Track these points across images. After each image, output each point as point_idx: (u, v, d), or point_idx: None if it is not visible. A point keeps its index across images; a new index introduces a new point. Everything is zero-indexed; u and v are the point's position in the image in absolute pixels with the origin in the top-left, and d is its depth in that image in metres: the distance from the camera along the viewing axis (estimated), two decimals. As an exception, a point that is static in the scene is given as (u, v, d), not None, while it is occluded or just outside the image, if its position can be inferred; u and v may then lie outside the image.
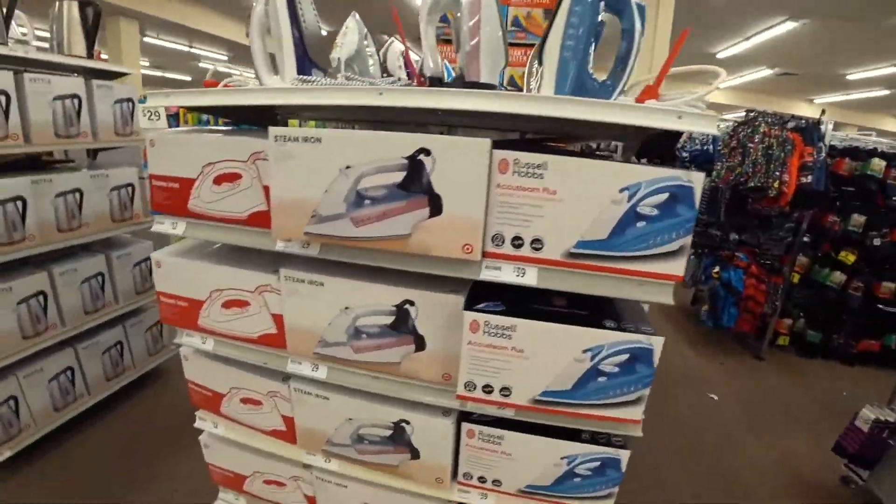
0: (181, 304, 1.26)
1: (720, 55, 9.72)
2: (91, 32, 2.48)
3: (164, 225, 1.19)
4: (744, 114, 3.35)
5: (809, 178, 3.00)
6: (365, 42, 1.46)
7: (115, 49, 8.18)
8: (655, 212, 0.90)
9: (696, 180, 0.89)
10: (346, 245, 0.97)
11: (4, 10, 2.15)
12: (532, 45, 2.48)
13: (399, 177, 0.90)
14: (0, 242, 2.05)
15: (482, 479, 1.20)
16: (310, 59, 1.17)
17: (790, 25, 7.49)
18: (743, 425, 2.89)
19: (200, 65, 13.43)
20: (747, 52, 9.32)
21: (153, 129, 1.26)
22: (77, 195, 2.31)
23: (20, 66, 2.11)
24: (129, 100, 2.54)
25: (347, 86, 0.98)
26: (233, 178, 1.08)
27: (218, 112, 1.36)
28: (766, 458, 2.60)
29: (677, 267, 0.93)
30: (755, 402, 3.14)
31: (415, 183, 0.90)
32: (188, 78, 15.99)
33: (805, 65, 9.71)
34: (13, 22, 2.28)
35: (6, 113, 2.03)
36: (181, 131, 1.19)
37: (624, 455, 1.12)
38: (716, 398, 3.13)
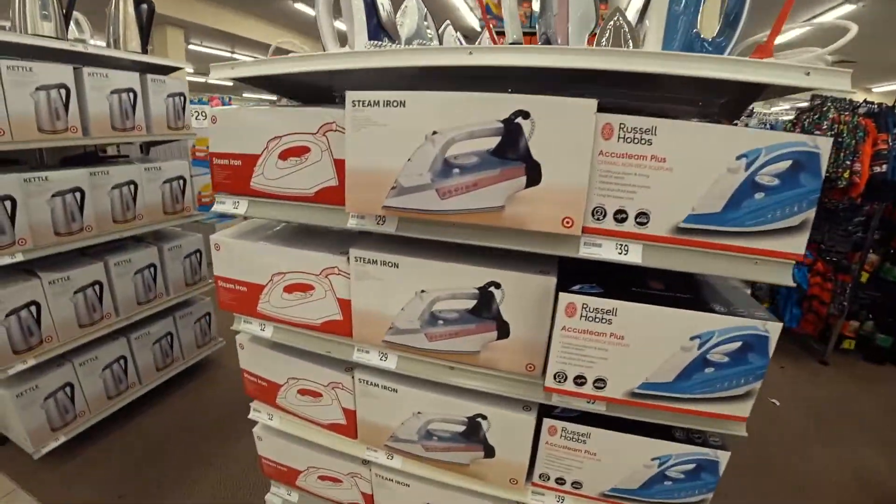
0: (240, 289, 1.19)
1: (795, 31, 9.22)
2: (145, 29, 2.48)
3: (225, 205, 1.12)
4: (808, 100, 3.12)
5: (884, 168, 2.75)
6: (425, 22, 1.37)
7: (162, 56, 8.44)
8: (776, 182, 0.78)
9: (824, 146, 0.77)
10: (429, 219, 0.87)
11: (64, 9, 2.17)
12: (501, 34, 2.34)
13: (493, 142, 0.80)
14: (60, 232, 2.06)
15: (560, 481, 1.08)
16: (383, 28, 1.09)
17: (848, 8, 7.04)
18: (808, 433, 2.66)
19: (241, 70, 13.72)
20: (801, 37, 8.83)
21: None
22: (132, 187, 2.31)
23: (79, 62, 2.11)
24: (181, 94, 2.53)
25: (432, 47, 0.88)
26: (300, 151, 1.00)
27: (279, 87, 1.29)
28: (835, 469, 2.38)
29: (798, 244, 0.80)
30: (820, 410, 2.89)
31: (511, 149, 0.79)
32: (230, 83, 16.41)
33: (863, 51, 9.15)
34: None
35: (66, 106, 2.04)
36: (243, 108, 1.12)
37: (723, 457, 0.99)
38: (777, 403, 2.90)
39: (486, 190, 0.82)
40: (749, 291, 1.11)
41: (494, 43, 1.33)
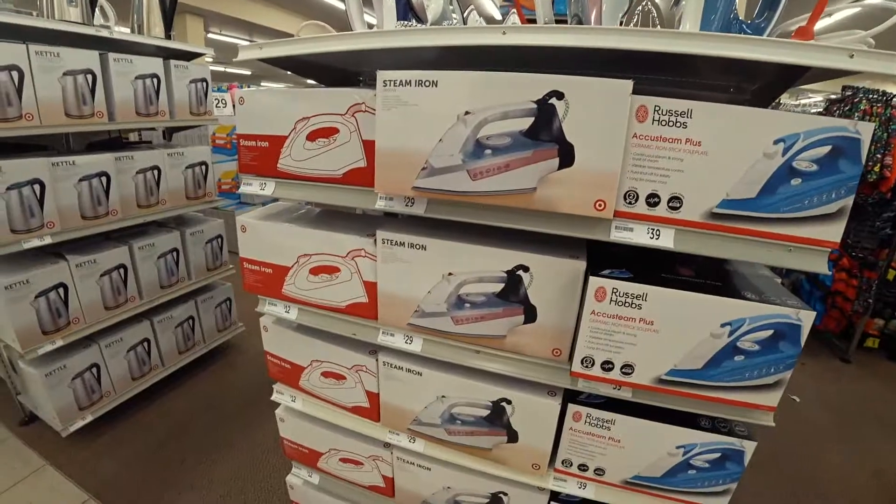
0: (265, 271, 1.20)
1: (792, 28, 8.98)
2: (168, 15, 2.50)
3: (252, 186, 1.12)
4: (839, 91, 3.02)
5: (917, 162, 2.67)
6: (451, 6, 1.36)
7: (179, 42, 8.55)
8: (814, 167, 0.76)
9: (865, 132, 0.74)
10: (459, 201, 0.86)
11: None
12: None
13: (526, 123, 0.78)
14: (86, 216, 2.09)
15: (583, 467, 1.08)
16: (412, 8, 1.08)
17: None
18: (828, 431, 2.61)
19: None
20: (836, 25, 8.58)
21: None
22: (155, 172, 2.34)
23: (104, 48, 2.13)
24: (204, 80, 2.55)
25: (465, 27, 0.87)
26: (328, 132, 1.00)
27: (304, 69, 1.28)
28: (854, 468, 2.33)
29: (835, 232, 0.78)
30: (840, 407, 2.84)
31: (544, 130, 0.78)
32: (248, 72, 16.57)
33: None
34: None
35: (92, 91, 2.06)
36: (270, 88, 1.12)
37: (749, 447, 0.98)
38: (797, 400, 2.86)
39: (518, 171, 0.80)
40: (779, 281, 1.08)
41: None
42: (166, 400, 2.54)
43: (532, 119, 0.78)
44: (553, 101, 0.77)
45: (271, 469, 2.10)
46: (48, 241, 1.98)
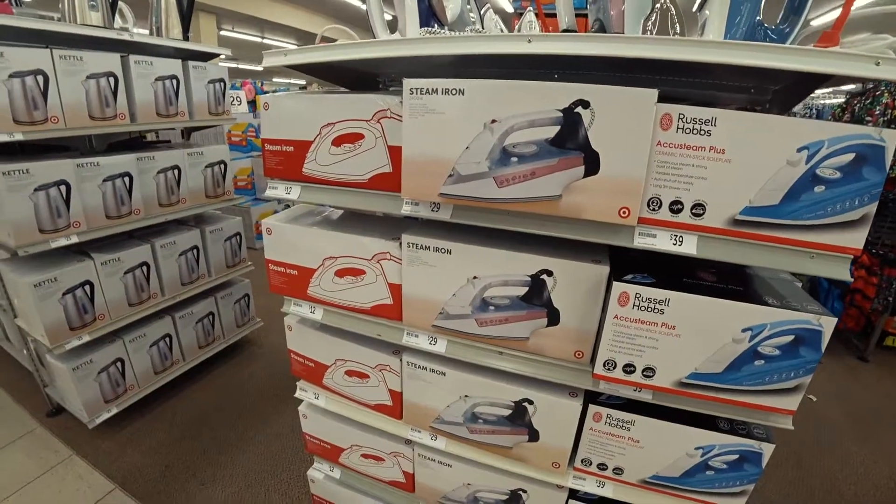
0: (291, 273, 1.23)
1: (815, 22, 8.79)
2: (186, 17, 2.53)
3: (277, 190, 1.15)
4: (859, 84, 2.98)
5: (940, 158, 2.61)
6: (468, 6, 1.37)
7: (195, 42, 8.67)
8: (837, 174, 0.76)
9: (891, 139, 0.74)
10: (485, 207, 0.88)
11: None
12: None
13: (552, 131, 0.80)
14: (110, 216, 2.15)
15: (602, 467, 1.10)
16: (435, 15, 1.09)
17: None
18: (844, 430, 2.60)
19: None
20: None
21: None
22: (176, 172, 2.38)
23: (124, 50, 2.17)
24: (222, 80, 2.58)
25: (490, 35, 0.88)
26: (354, 138, 1.02)
27: (325, 73, 1.30)
28: (871, 468, 2.32)
29: (857, 239, 0.79)
30: (858, 407, 2.82)
31: (570, 138, 0.79)
32: (259, 68, 16.71)
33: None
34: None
35: (115, 93, 2.11)
36: (295, 94, 1.14)
37: (767, 449, 0.99)
38: (814, 399, 2.84)
39: (543, 179, 0.82)
40: (799, 284, 1.09)
41: (544, 25, 1.32)
42: (187, 393, 2.60)
43: (558, 127, 0.79)
44: (579, 109, 0.78)
45: (290, 462, 2.15)
46: (74, 240, 2.04)
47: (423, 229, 1.06)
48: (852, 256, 0.82)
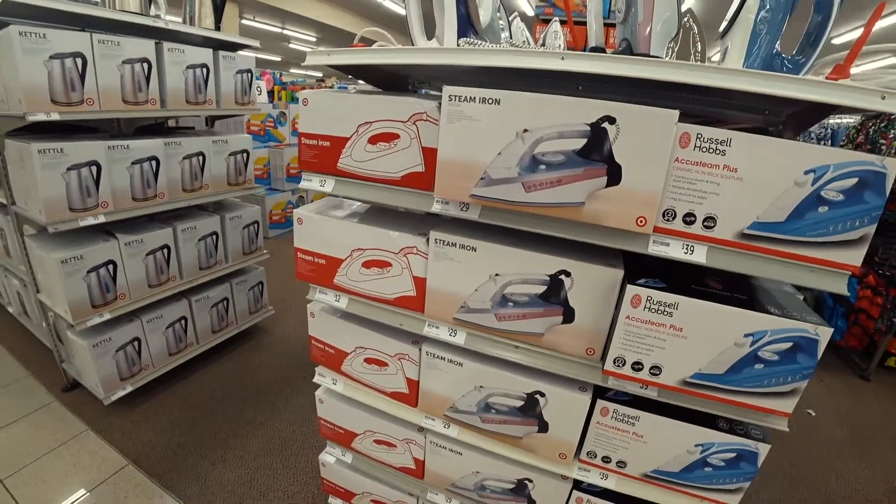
0: (319, 262, 1.31)
1: (835, 41, 8.74)
2: (219, 7, 2.62)
3: (311, 182, 1.23)
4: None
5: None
6: (497, 14, 1.44)
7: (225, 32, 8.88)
8: (840, 197, 0.84)
9: (892, 167, 0.82)
10: (512, 210, 0.96)
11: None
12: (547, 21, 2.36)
13: (579, 143, 0.87)
14: (137, 198, 2.24)
15: (606, 459, 1.17)
16: (472, 24, 1.16)
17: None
18: (843, 446, 2.66)
19: (290, 45, 14.15)
20: (871, 36, 8.30)
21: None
22: (200, 158, 2.47)
23: (157, 37, 2.25)
24: (249, 70, 2.67)
25: (527, 49, 0.95)
26: (390, 137, 1.10)
27: (358, 72, 1.37)
28: (867, 484, 2.38)
29: (856, 257, 0.86)
30: (857, 424, 2.87)
31: (595, 151, 0.87)
32: (278, 58, 16.88)
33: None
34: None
35: (147, 79, 2.20)
36: (335, 92, 1.22)
37: (763, 449, 1.06)
38: (813, 414, 2.90)
39: (568, 187, 0.89)
40: (801, 297, 1.16)
41: (572, 33, 1.38)
42: (200, 376, 2.70)
43: (585, 140, 0.87)
44: (605, 124, 0.85)
45: (299, 447, 2.23)
46: (102, 219, 2.13)
47: (450, 227, 1.14)
48: (850, 273, 0.89)
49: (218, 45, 2.55)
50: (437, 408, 1.30)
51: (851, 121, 3.17)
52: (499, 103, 0.91)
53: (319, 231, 1.28)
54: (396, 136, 1.09)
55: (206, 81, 2.45)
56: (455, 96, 0.94)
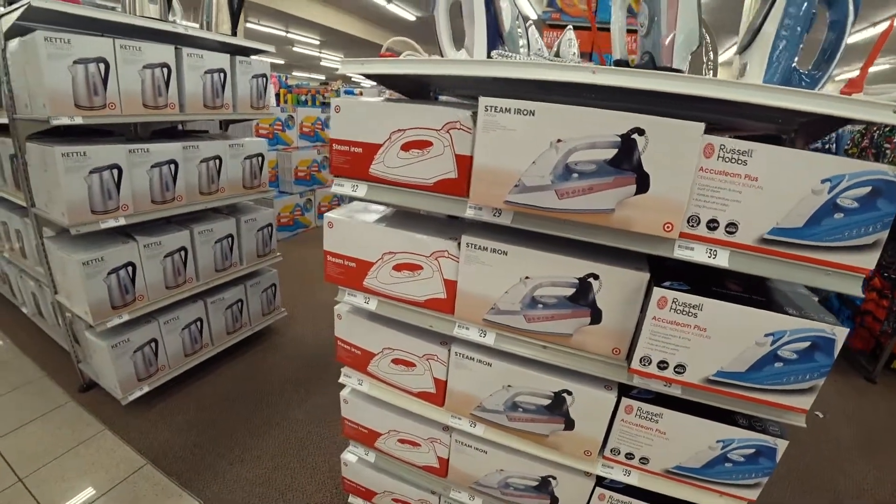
0: (349, 265, 1.36)
1: (852, 39, 8.81)
2: (236, 14, 2.68)
3: (343, 187, 1.28)
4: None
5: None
6: (516, 22, 1.49)
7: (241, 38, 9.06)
8: (855, 204, 0.90)
9: None
10: (544, 216, 1.01)
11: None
12: (563, 27, 2.43)
13: (610, 153, 0.93)
14: (156, 201, 2.29)
15: (629, 456, 1.23)
16: (500, 34, 1.22)
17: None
18: (850, 447, 2.72)
19: (294, 49, 14.31)
20: (873, 39, 8.41)
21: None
22: (217, 162, 2.53)
23: (175, 42, 2.31)
24: (264, 75, 2.73)
25: (559, 63, 1.01)
26: (423, 145, 1.15)
27: (383, 79, 1.43)
28: (874, 485, 2.43)
29: (869, 261, 0.92)
30: (864, 426, 2.93)
31: (625, 161, 0.92)
32: (282, 61, 17.02)
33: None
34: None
35: (167, 84, 2.25)
36: (366, 100, 1.27)
37: (781, 445, 1.11)
38: (822, 416, 2.96)
39: (600, 194, 0.95)
40: (816, 299, 1.22)
41: (593, 36, 1.44)
42: (214, 377, 2.75)
43: (616, 150, 0.92)
44: (635, 136, 0.91)
45: (315, 447, 2.28)
46: (122, 222, 2.18)
47: (479, 231, 1.19)
48: (864, 275, 0.95)
49: (234, 50, 2.61)
50: (463, 407, 1.35)
51: (856, 126, 3.23)
52: (533, 114, 0.96)
53: (350, 235, 1.33)
54: (430, 144, 1.14)
55: (223, 86, 2.50)
56: (491, 107, 1.00)
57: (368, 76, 1.25)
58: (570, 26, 2.12)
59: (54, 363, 2.80)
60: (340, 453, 1.76)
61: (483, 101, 1.00)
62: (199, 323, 2.61)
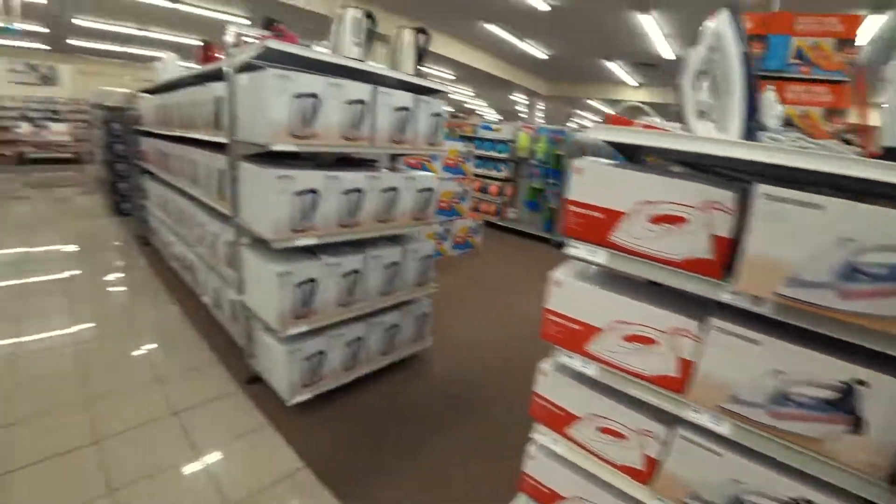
0: (572, 326, 1.44)
1: None
2: (420, 56, 2.98)
3: (579, 250, 1.37)
4: None
5: None
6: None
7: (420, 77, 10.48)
8: None
9: None
10: (819, 314, 1.02)
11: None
12: (817, 81, 2.27)
13: (908, 264, 0.92)
14: (342, 225, 2.60)
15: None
16: (754, 107, 1.24)
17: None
18: None
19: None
20: None
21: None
22: (394, 192, 2.80)
23: (363, 80, 2.60)
24: (440, 114, 3.00)
25: (828, 154, 1.01)
26: (675, 220, 1.20)
27: (622, 147, 1.52)
28: None
29: None
30: None
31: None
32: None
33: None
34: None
35: (361, 118, 2.56)
36: (612, 164, 1.35)
37: None
38: None
39: (892, 300, 0.94)
40: None
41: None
42: (364, 395, 2.99)
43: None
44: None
45: (463, 481, 2.36)
46: (314, 241, 2.50)
47: (728, 314, 1.21)
48: None
49: (415, 90, 2.89)
50: (674, 492, 1.34)
51: None
52: (820, 209, 0.99)
53: (578, 297, 1.42)
54: (682, 220, 1.19)
55: (406, 122, 2.79)
56: (772, 196, 1.03)
57: (614, 143, 1.34)
58: (772, 88, 2.05)
59: (226, 353, 3.28)
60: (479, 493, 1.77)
61: (762, 188, 1.04)
62: (359, 341, 2.88)
